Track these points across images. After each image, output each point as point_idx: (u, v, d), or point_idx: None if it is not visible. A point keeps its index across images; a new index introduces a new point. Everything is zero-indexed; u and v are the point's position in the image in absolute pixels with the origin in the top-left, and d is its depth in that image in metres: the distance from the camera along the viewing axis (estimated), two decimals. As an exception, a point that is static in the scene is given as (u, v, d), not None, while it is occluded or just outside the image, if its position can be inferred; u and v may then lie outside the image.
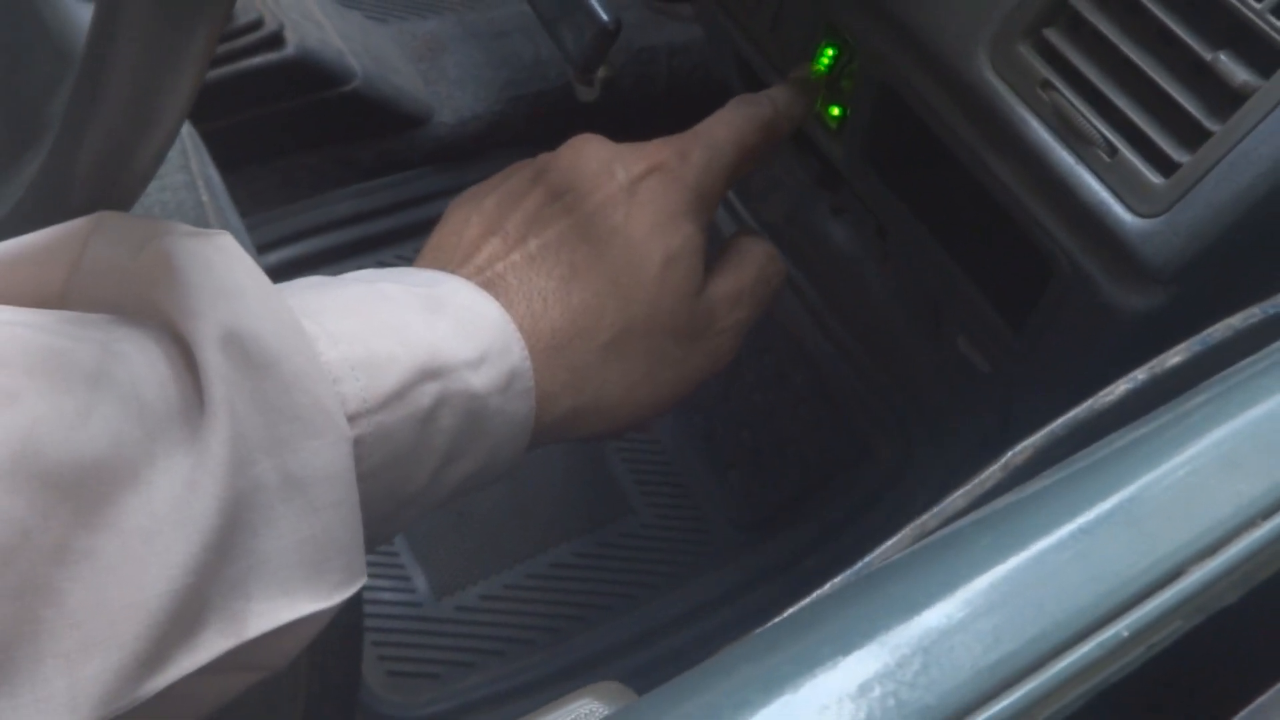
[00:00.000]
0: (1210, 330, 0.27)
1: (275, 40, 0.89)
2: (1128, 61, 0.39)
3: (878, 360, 0.98)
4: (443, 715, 0.80)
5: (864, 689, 0.16)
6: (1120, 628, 0.17)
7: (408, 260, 1.01)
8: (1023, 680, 0.17)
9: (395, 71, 0.99)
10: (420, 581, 0.86)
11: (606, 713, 0.22)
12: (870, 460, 0.96)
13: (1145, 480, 0.19)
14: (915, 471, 0.93)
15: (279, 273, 1.00)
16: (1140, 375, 0.26)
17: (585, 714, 0.23)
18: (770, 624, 0.20)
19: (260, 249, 0.94)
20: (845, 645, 0.17)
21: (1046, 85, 0.40)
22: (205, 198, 0.63)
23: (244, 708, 0.53)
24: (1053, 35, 0.41)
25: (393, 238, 1.01)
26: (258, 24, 0.89)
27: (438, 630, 0.84)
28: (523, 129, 1.05)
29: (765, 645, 0.18)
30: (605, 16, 0.36)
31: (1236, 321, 0.27)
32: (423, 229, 1.03)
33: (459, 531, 0.89)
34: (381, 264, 1.00)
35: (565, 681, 0.82)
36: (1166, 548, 0.18)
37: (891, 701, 0.16)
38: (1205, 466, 0.19)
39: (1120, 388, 0.26)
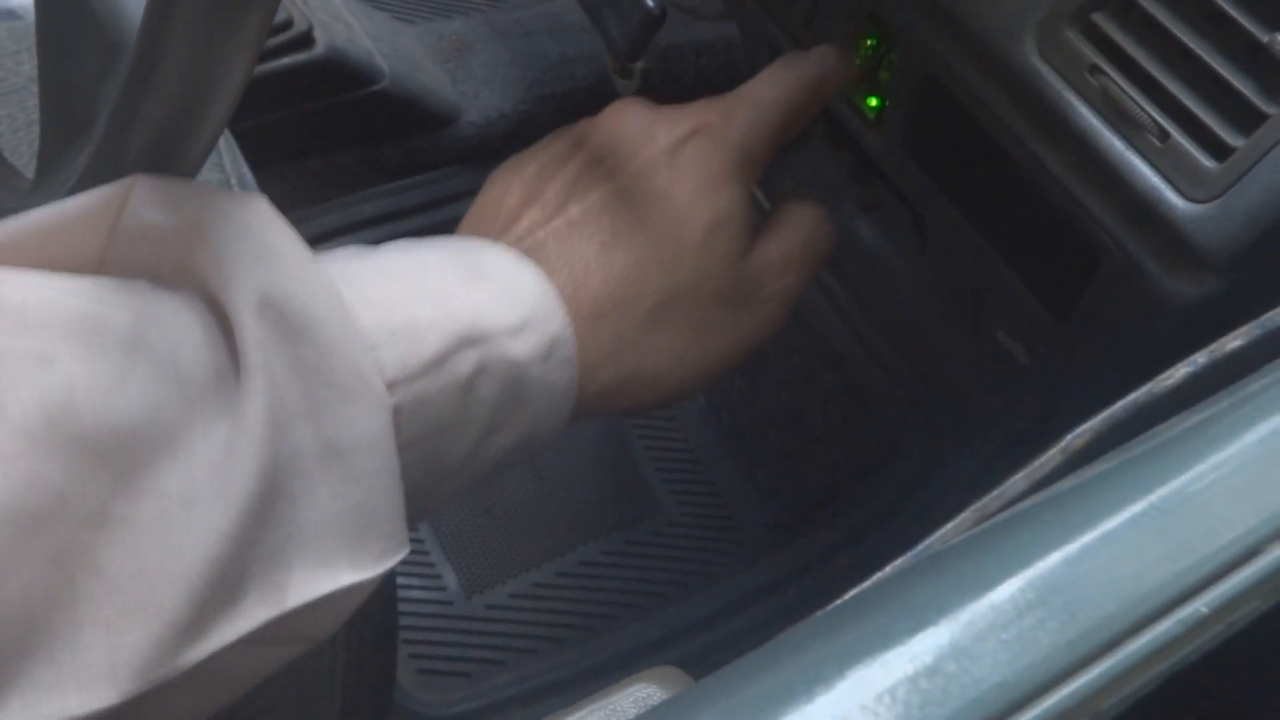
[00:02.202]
0: (1272, 314, 0.26)
1: (305, 40, 0.90)
2: (1179, 44, 0.38)
3: (907, 359, 0.97)
4: (474, 713, 0.80)
5: (939, 665, 0.16)
6: (1199, 604, 0.17)
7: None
8: (1100, 658, 0.16)
9: (423, 71, 0.99)
10: (450, 580, 0.86)
11: (664, 697, 0.22)
12: (899, 460, 0.95)
13: (1214, 460, 0.19)
14: (945, 472, 0.92)
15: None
16: (1200, 359, 0.26)
17: (643, 697, 0.22)
18: (832, 606, 0.20)
19: (290, 249, 0.94)
20: (918, 622, 0.17)
21: (1095, 70, 0.39)
22: (240, 195, 0.64)
23: (280, 707, 0.53)
24: (1101, 19, 0.40)
25: (422, 236, 1.01)
26: (287, 24, 0.89)
27: (468, 629, 0.84)
28: (549, 128, 1.05)
29: (832, 625, 0.18)
30: (651, 2, 0.36)
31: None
32: (450, 228, 1.04)
33: (488, 530, 0.89)
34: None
35: (596, 679, 0.82)
36: (1240, 527, 0.18)
37: (968, 679, 0.15)
38: (1275, 447, 0.19)
39: (1180, 371, 0.25)
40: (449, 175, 1.02)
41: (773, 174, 1.12)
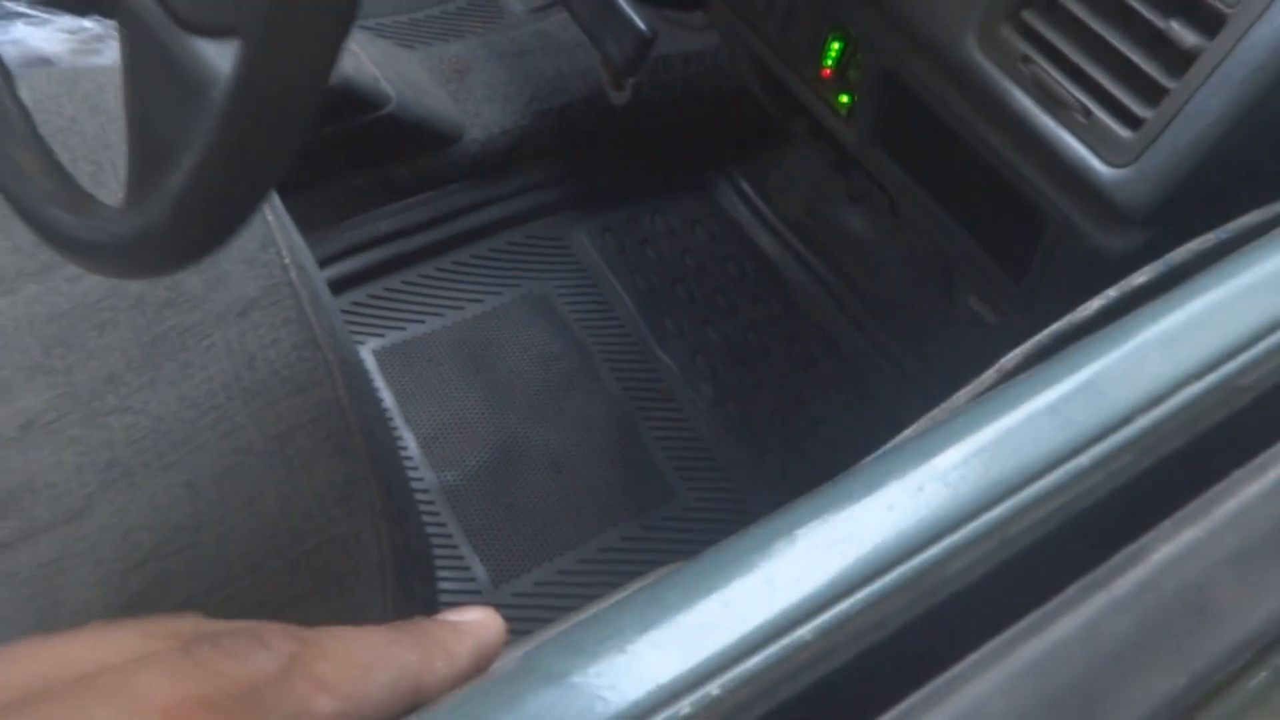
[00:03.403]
0: (1172, 254, 0.31)
1: (316, 71, 0.96)
2: (1095, 34, 0.43)
3: (898, 338, 1.02)
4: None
5: (914, 489, 0.21)
6: (1082, 459, 0.22)
7: (447, 271, 1.06)
8: (1009, 496, 0.21)
9: (427, 94, 1.05)
10: (479, 571, 0.91)
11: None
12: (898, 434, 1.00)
13: (1106, 360, 0.24)
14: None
15: (335, 286, 1.06)
16: (1111, 293, 0.31)
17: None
18: (816, 490, 0.25)
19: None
20: (894, 474, 0.22)
21: (1027, 60, 0.45)
22: (270, 218, 0.69)
23: None
24: (1030, 16, 0.46)
25: (434, 250, 1.07)
26: (299, 57, 0.95)
27: (498, 614, 0.89)
28: (549, 141, 1.11)
29: (824, 495, 0.24)
30: (643, 26, 0.41)
31: (1195, 245, 0.31)
32: (461, 241, 1.10)
33: (512, 523, 0.94)
34: (424, 276, 1.06)
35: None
36: (1119, 404, 0.23)
37: (923, 509, 0.21)
38: (1152, 346, 0.24)
39: (1094, 304, 0.30)
40: (457, 190, 1.08)
41: (763, 169, 1.18)
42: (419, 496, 0.91)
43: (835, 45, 0.55)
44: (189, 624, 0.28)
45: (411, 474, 0.93)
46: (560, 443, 0.98)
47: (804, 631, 0.20)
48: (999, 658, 0.20)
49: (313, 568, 0.59)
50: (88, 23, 0.87)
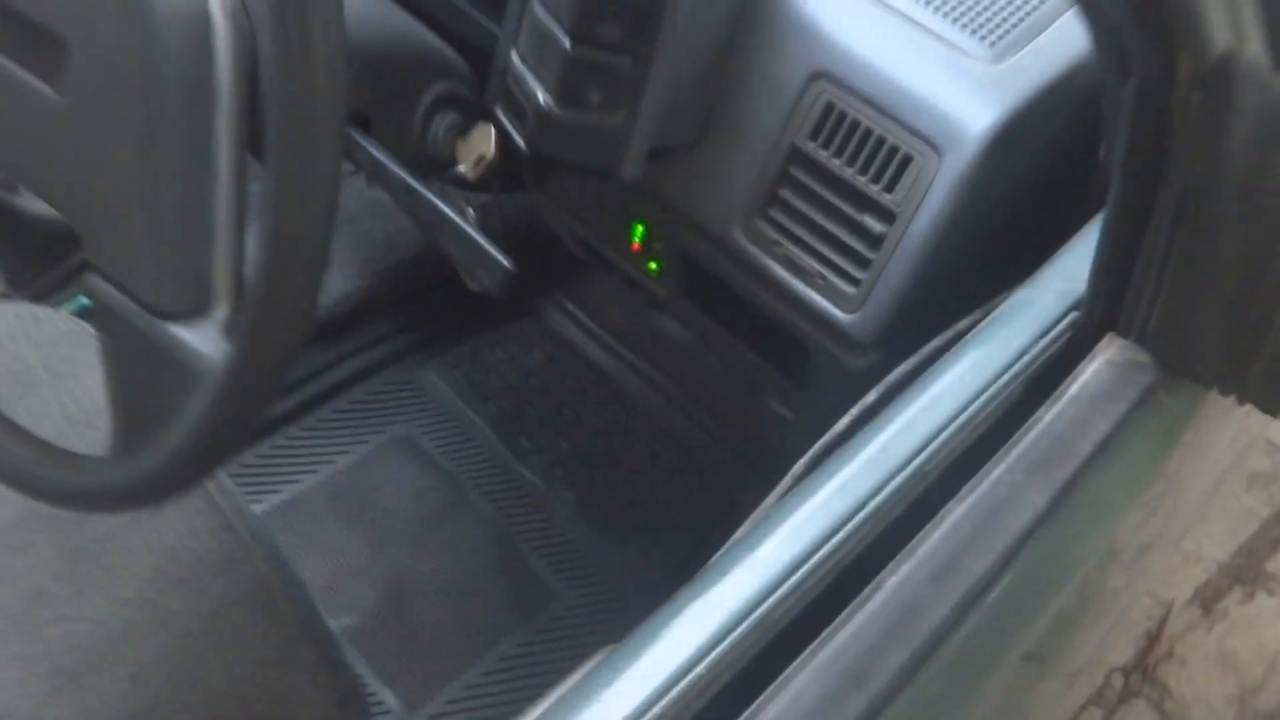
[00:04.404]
0: (889, 376, 0.46)
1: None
2: (819, 225, 0.61)
3: (725, 425, 1.18)
4: (440, 810, 0.92)
5: (747, 577, 0.35)
6: (840, 537, 0.36)
7: (313, 429, 1.13)
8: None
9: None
10: (392, 702, 0.98)
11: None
12: (739, 511, 1.15)
13: (850, 467, 0.39)
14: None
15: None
16: (854, 410, 0.45)
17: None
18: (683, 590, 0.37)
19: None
20: (729, 571, 0.36)
21: (778, 244, 0.61)
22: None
23: None
24: (775, 214, 0.63)
25: (298, 412, 1.14)
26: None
27: (418, 739, 0.96)
28: (388, 296, 1.22)
29: (686, 593, 0.36)
30: (507, 263, 0.53)
31: (902, 367, 0.47)
32: (322, 399, 1.18)
33: (415, 651, 1.01)
34: (290, 438, 1.13)
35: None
36: (861, 495, 0.38)
37: (757, 576, 0.35)
38: (875, 451, 0.39)
39: (844, 420, 0.45)
40: (311, 354, 1.16)
41: (585, 290, 1.32)
42: (325, 645, 0.97)
43: (640, 228, 0.71)
44: None
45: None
46: (446, 569, 1.07)
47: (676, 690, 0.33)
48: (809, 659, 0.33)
49: (264, 727, 0.66)
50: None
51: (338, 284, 1.17)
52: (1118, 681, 1.37)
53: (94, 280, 0.47)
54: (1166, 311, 0.41)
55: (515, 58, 0.58)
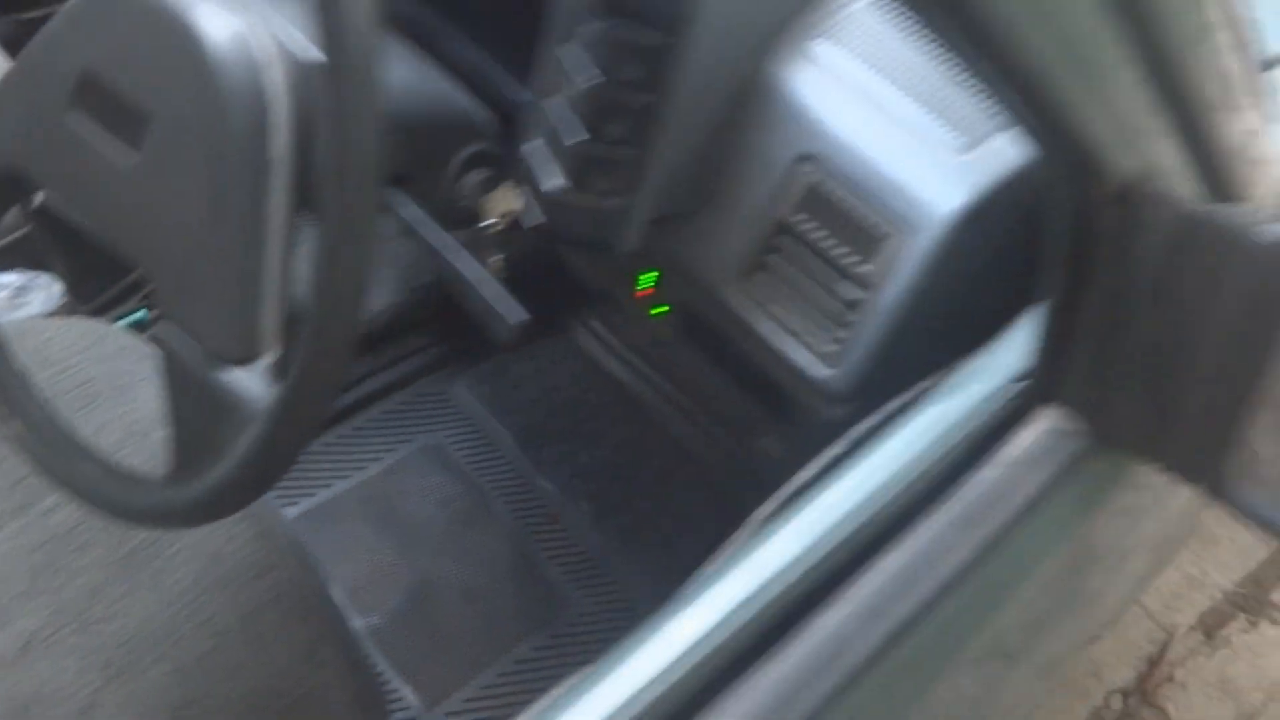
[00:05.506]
0: (851, 429, 0.52)
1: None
2: (805, 289, 0.66)
3: (738, 440, 1.23)
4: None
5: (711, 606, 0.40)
6: (789, 575, 0.42)
7: (348, 437, 1.21)
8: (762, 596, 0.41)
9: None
10: (412, 699, 1.05)
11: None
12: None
13: (812, 509, 0.44)
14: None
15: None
16: (821, 459, 0.51)
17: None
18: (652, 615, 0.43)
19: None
20: (693, 599, 0.42)
21: (767, 304, 0.68)
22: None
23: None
24: (764, 277, 0.69)
25: (334, 420, 1.22)
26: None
27: (436, 734, 1.02)
28: (422, 311, 1.29)
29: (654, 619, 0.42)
30: (516, 317, 0.59)
31: (865, 423, 0.52)
32: (357, 408, 1.25)
33: (435, 652, 1.08)
34: (327, 445, 1.20)
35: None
36: (818, 536, 0.43)
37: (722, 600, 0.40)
38: (834, 498, 0.44)
39: (812, 469, 0.50)
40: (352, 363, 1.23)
41: (610, 309, 1.38)
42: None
43: (653, 275, 0.77)
44: None
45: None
46: (467, 574, 1.14)
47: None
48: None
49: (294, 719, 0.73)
50: (8, 277, 0.99)
51: (375, 300, 1.24)
52: (1117, 703, 1.41)
53: (163, 326, 0.54)
54: (1097, 387, 0.46)
55: (534, 144, 0.64)
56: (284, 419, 0.46)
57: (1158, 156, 0.39)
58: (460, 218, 0.63)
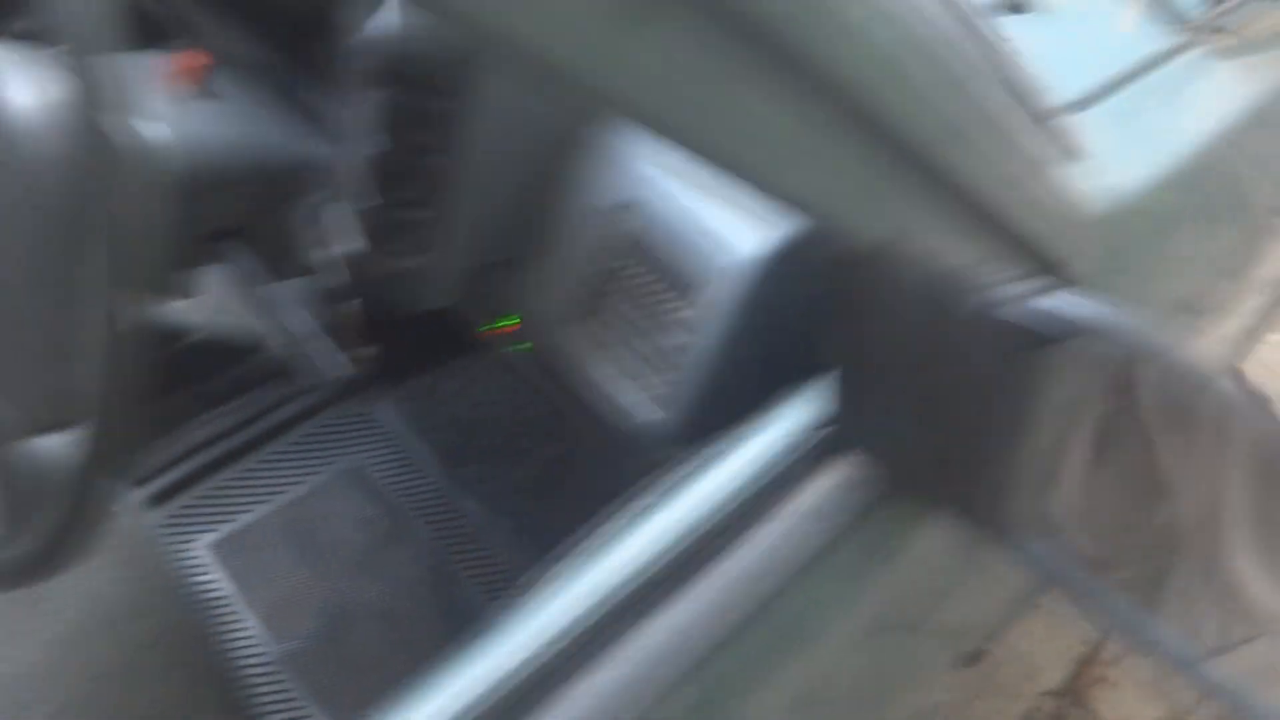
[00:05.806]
0: (677, 470, 0.52)
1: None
2: (632, 331, 0.67)
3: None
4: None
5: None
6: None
7: (268, 461, 1.21)
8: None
9: (223, 310, 1.21)
10: (326, 722, 1.05)
11: None
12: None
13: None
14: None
15: (163, 494, 1.18)
16: (646, 499, 0.51)
17: None
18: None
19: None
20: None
21: (599, 349, 0.68)
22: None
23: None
24: (594, 323, 0.69)
25: (254, 444, 1.22)
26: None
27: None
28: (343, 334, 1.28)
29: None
30: (332, 372, 0.59)
31: (689, 464, 0.52)
32: (277, 432, 1.25)
33: (354, 677, 1.07)
34: (248, 470, 1.21)
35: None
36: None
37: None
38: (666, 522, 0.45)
39: (631, 505, 0.50)
40: (268, 387, 1.23)
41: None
42: (264, 669, 1.05)
43: (515, 318, 0.78)
44: None
45: (255, 649, 1.07)
46: (385, 596, 1.14)
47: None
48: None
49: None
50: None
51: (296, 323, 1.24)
52: (1048, 704, 1.42)
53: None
54: (887, 434, 0.46)
55: (332, 209, 0.64)
56: (83, 487, 0.47)
57: (910, 219, 0.39)
58: (301, 268, 0.63)
